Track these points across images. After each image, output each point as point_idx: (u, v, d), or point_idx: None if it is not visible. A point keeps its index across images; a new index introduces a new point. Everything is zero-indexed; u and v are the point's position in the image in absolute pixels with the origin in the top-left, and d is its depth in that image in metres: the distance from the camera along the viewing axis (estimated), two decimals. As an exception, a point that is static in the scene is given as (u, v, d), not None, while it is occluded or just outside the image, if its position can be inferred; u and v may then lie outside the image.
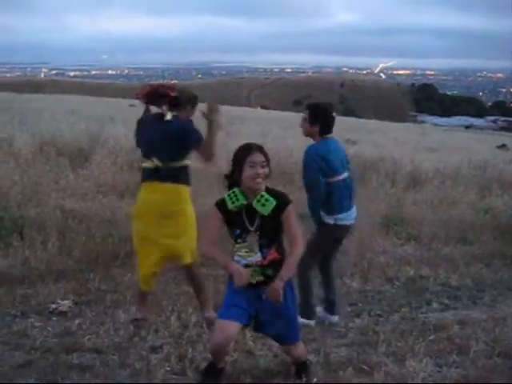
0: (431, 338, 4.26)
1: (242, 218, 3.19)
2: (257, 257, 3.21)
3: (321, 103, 4.62)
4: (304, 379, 3.46)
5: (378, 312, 4.87)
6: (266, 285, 3.19)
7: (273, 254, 3.23)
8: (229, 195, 3.18)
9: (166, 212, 4.06)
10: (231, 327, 3.18)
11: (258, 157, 3.15)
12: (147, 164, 4.11)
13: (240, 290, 3.17)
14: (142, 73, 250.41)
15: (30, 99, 25.76)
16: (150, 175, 4.09)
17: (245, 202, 3.16)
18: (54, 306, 4.40)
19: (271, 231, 3.22)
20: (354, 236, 6.58)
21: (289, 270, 3.17)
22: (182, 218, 4.11)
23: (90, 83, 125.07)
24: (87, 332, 4.02)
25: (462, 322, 4.65)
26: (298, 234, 3.22)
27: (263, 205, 3.15)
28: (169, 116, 4.09)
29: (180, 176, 4.11)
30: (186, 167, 4.17)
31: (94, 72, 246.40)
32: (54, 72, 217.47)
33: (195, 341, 3.97)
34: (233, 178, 3.23)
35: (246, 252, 3.22)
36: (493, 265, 6.37)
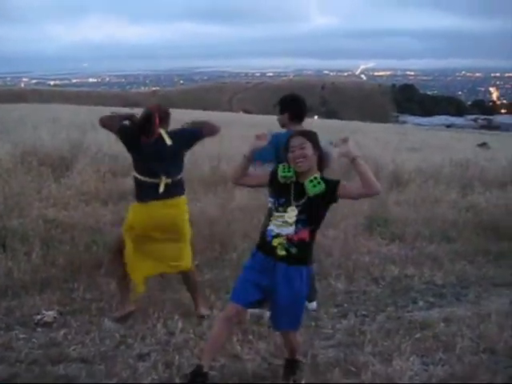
0: (417, 336, 4.30)
1: (289, 191, 3.33)
2: (290, 230, 3.30)
3: (288, 94, 4.88)
4: (292, 381, 3.48)
5: (364, 312, 4.89)
6: (285, 261, 3.32)
7: (304, 234, 3.32)
8: (283, 165, 3.33)
9: (179, 224, 4.34)
10: (233, 310, 3.37)
11: (295, 140, 3.32)
12: (156, 181, 4.20)
13: (259, 259, 3.37)
14: (123, 80, 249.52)
15: (10, 109, 25.50)
16: (163, 193, 4.20)
17: (294, 178, 3.31)
18: (38, 317, 4.34)
19: (312, 213, 3.32)
20: (339, 237, 6.65)
21: (366, 168, 3.22)
22: (186, 227, 4.40)
23: (71, 92, 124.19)
24: (73, 342, 3.99)
25: (448, 319, 4.70)
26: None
27: (314, 186, 3.25)
28: (169, 141, 4.22)
29: (183, 187, 4.39)
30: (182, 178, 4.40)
31: (74, 80, 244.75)
32: (34, 81, 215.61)
33: (182, 347, 3.95)
34: None
35: (283, 222, 3.31)
36: (476, 262, 6.43)
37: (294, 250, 3.31)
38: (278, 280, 3.33)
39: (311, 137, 3.35)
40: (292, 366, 3.62)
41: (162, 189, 4.17)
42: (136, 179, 4.29)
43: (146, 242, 4.29)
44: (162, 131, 4.25)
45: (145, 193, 4.23)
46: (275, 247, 3.32)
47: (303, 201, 3.29)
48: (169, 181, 4.21)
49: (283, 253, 3.31)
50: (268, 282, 3.34)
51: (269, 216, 3.42)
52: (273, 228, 3.34)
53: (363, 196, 3.33)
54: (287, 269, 3.32)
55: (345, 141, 3.26)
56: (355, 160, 3.19)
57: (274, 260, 3.33)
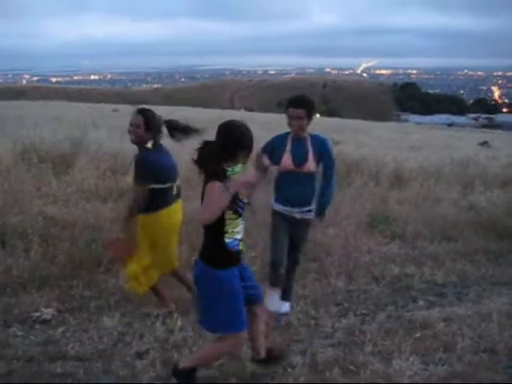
0: (417, 335, 4.28)
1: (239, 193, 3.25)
2: (243, 226, 3.36)
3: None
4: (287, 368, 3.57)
5: (364, 311, 4.87)
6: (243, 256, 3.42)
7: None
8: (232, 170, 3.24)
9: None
10: (241, 338, 3.40)
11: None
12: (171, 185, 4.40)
13: (234, 273, 3.28)
14: (125, 77, 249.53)
15: (11, 106, 25.50)
16: (176, 197, 4.46)
17: None
18: (36, 314, 4.34)
19: None
20: (340, 236, 6.63)
21: None
22: None
23: (72, 89, 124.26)
24: (71, 340, 3.98)
25: (448, 318, 4.68)
26: None
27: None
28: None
29: None
30: None
31: (76, 77, 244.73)
32: (35, 78, 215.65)
33: (181, 345, 3.95)
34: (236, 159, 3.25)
35: (242, 224, 3.32)
36: (476, 261, 6.40)
37: (242, 248, 3.40)
38: (247, 276, 3.44)
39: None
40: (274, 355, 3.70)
41: (175, 191, 4.43)
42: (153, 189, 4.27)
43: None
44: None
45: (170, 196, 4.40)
46: (242, 251, 3.35)
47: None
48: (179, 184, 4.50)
49: (243, 249, 3.40)
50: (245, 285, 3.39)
51: (222, 229, 3.23)
52: (236, 236, 3.27)
53: None
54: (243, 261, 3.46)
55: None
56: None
57: (239, 261, 3.37)
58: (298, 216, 4.47)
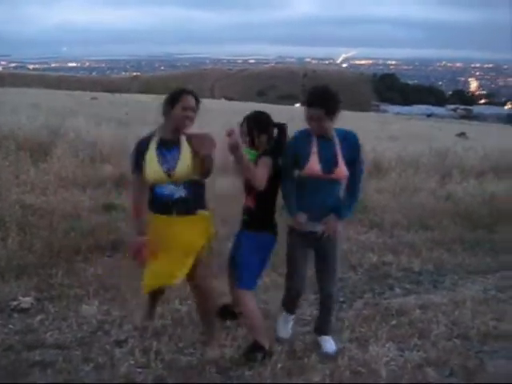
0: (393, 322, 4.36)
1: None
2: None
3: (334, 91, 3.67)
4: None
5: (342, 299, 4.93)
6: (244, 227, 3.76)
7: (247, 202, 3.71)
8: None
9: None
10: None
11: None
12: None
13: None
14: (103, 65, 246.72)
15: (-13, 93, 25.06)
16: None
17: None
18: (15, 303, 4.31)
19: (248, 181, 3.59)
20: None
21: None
22: None
23: (50, 76, 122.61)
24: (49, 328, 3.97)
25: (424, 306, 4.77)
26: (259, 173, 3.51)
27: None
28: None
29: None
30: None
31: (54, 64, 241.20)
32: (13, 65, 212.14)
33: (160, 333, 3.95)
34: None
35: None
36: (453, 250, 6.51)
37: (245, 217, 3.75)
38: (238, 242, 3.84)
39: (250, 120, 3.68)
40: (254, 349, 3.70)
41: None
42: None
43: None
44: None
45: None
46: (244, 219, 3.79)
47: None
48: None
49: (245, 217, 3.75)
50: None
51: None
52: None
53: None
54: (244, 233, 3.77)
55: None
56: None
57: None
58: (319, 230, 3.69)
